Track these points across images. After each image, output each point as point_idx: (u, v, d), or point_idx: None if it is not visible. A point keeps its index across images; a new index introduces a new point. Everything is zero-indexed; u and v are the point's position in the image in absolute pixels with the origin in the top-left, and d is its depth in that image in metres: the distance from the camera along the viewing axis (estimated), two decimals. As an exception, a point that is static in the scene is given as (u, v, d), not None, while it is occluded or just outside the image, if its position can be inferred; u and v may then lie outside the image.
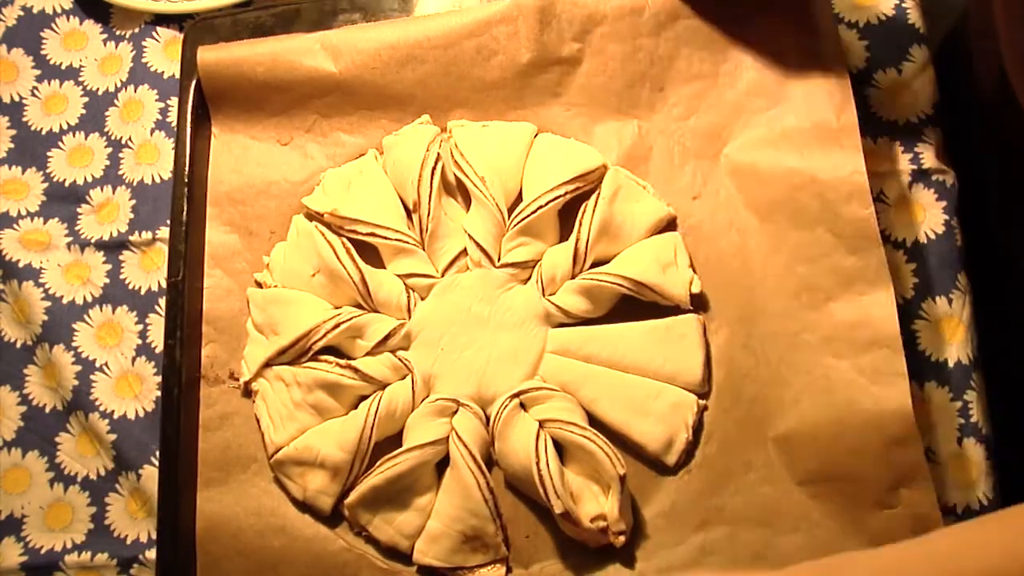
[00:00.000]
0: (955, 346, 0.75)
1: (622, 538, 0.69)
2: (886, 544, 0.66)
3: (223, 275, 0.79)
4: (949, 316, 0.75)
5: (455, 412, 0.72)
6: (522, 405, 0.72)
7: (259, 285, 0.79)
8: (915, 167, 0.78)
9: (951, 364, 0.74)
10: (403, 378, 0.73)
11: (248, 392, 0.76)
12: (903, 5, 0.82)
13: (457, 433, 0.71)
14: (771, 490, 0.69)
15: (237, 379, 0.77)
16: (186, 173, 0.80)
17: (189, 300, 0.77)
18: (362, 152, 0.81)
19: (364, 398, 0.73)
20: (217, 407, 0.76)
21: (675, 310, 0.74)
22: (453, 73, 0.79)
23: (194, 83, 0.81)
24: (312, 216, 0.78)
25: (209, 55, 0.81)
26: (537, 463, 0.68)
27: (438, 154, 0.76)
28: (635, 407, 0.71)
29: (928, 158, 0.78)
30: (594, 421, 0.72)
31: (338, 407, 0.74)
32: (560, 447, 0.70)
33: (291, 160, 0.81)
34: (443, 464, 0.72)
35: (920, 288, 0.76)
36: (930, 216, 0.77)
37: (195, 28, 0.84)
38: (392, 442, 0.72)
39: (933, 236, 0.77)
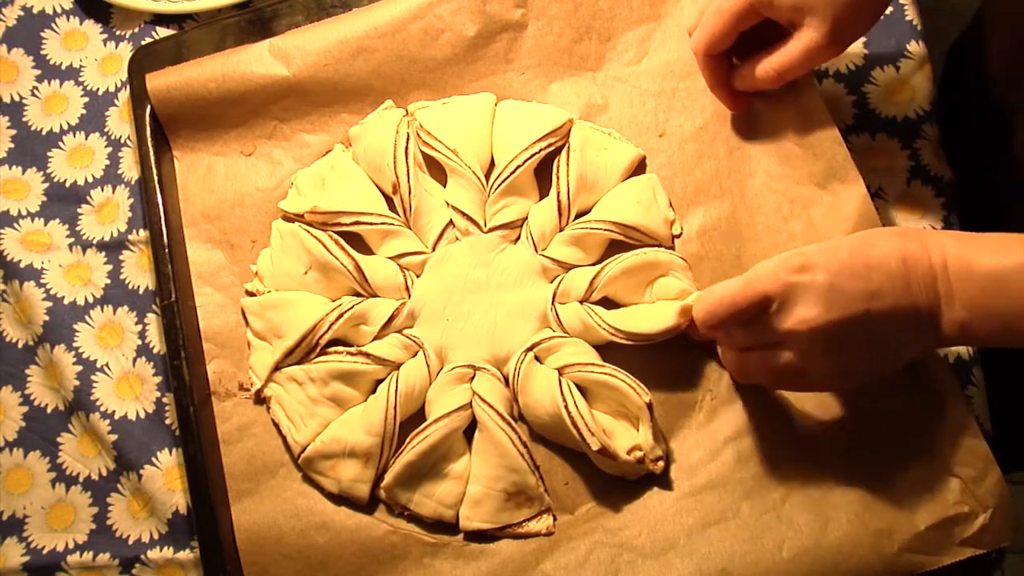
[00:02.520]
0: None
1: (660, 463, 0.71)
2: (906, 419, 0.70)
3: (213, 291, 0.79)
4: None
5: (473, 377, 0.73)
6: (536, 358, 0.73)
7: (250, 295, 0.78)
8: (913, 164, 0.79)
9: (952, 360, 0.74)
10: (415, 355, 0.74)
11: (260, 400, 0.76)
12: (901, 2, 0.82)
13: (480, 396, 0.72)
14: (793, 395, 0.71)
15: (247, 389, 0.77)
16: (158, 198, 0.79)
17: (186, 320, 0.77)
18: (328, 149, 0.81)
19: (380, 382, 0.74)
20: (233, 420, 0.76)
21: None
22: (405, 57, 0.81)
23: (148, 111, 0.81)
24: (291, 218, 0.79)
25: (158, 81, 0.81)
26: (565, 407, 0.69)
27: (407, 134, 0.77)
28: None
29: (926, 155, 0.79)
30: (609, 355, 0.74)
31: (356, 395, 0.74)
32: (582, 391, 0.72)
33: (259, 169, 0.82)
34: (470, 431, 0.73)
35: None
36: (929, 213, 0.78)
37: (138, 56, 0.84)
38: (415, 421, 0.73)
39: None
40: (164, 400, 0.80)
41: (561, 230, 0.76)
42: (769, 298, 0.62)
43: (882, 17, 0.81)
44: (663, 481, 0.72)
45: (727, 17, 0.69)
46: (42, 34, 0.90)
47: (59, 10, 0.91)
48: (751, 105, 0.75)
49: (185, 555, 0.77)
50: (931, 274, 0.60)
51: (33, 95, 0.89)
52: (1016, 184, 0.84)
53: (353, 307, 0.74)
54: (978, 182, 0.83)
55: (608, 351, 0.73)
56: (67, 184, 0.86)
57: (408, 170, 0.76)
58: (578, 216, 0.77)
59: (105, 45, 0.90)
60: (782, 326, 0.62)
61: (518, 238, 0.77)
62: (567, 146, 0.77)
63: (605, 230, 0.74)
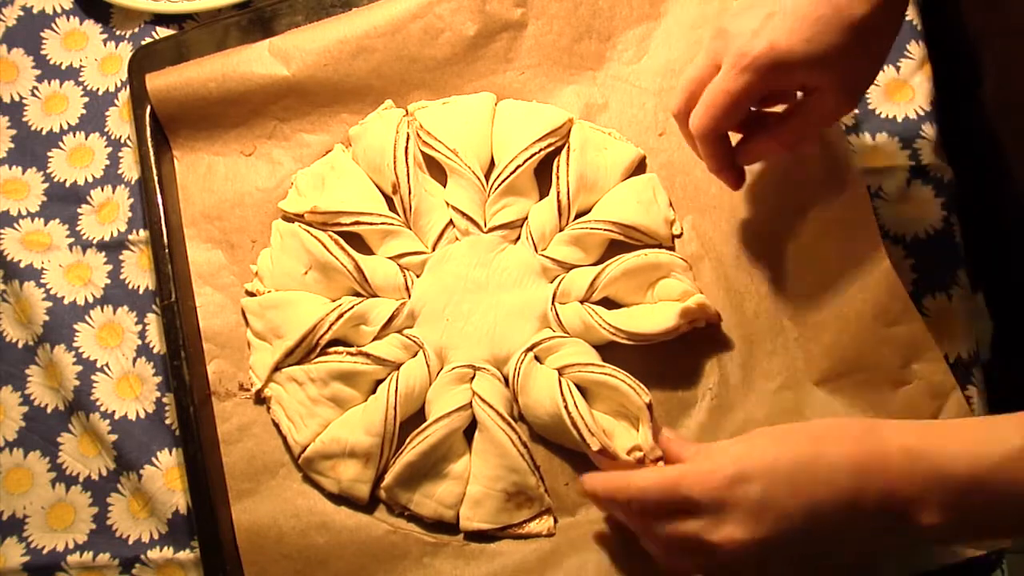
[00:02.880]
0: (956, 342, 0.74)
1: (661, 464, 0.70)
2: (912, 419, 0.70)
3: (213, 291, 0.79)
4: (949, 312, 0.75)
5: (473, 377, 0.74)
6: (537, 358, 0.73)
7: (250, 295, 0.78)
8: (913, 163, 0.78)
9: (951, 360, 0.73)
10: (415, 355, 0.74)
11: (261, 400, 0.76)
12: None
13: (480, 396, 0.72)
14: (791, 394, 0.72)
15: (248, 389, 0.77)
16: (158, 198, 0.79)
17: (186, 320, 0.77)
18: (328, 149, 0.81)
19: (380, 382, 0.74)
20: (233, 420, 0.76)
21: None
22: (405, 57, 0.81)
23: (148, 111, 0.81)
24: (291, 218, 0.79)
25: (158, 81, 0.81)
26: (565, 407, 0.69)
27: (407, 134, 0.77)
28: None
29: (926, 154, 0.78)
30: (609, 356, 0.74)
31: (356, 395, 0.74)
32: (582, 391, 0.72)
33: (259, 169, 0.82)
34: (470, 431, 0.73)
35: (920, 284, 0.76)
36: (929, 212, 0.77)
37: (138, 56, 0.84)
38: (415, 421, 0.73)
39: (932, 232, 0.77)
40: (164, 400, 0.80)
41: (561, 230, 0.76)
42: (696, 504, 0.58)
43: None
44: (663, 481, 0.72)
45: (737, 95, 0.62)
46: (42, 34, 0.90)
47: (59, 10, 0.91)
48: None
49: (185, 555, 0.77)
50: (890, 483, 0.55)
51: (33, 95, 0.89)
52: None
53: (353, 307, 0.74)
54: (978, 182, 0.83)
55: (608, 351, 0.73)
56: (67, 184, 0.86)
57: (408, 170, 0.76)
58: (578, 216, 0.77)
59: (105, 45, 0.90)
60: (710, 538, 0.58)
61: (518, 238, 0.77)
62: (567, 146, 0.77)
63: (605, 230, 0.74)
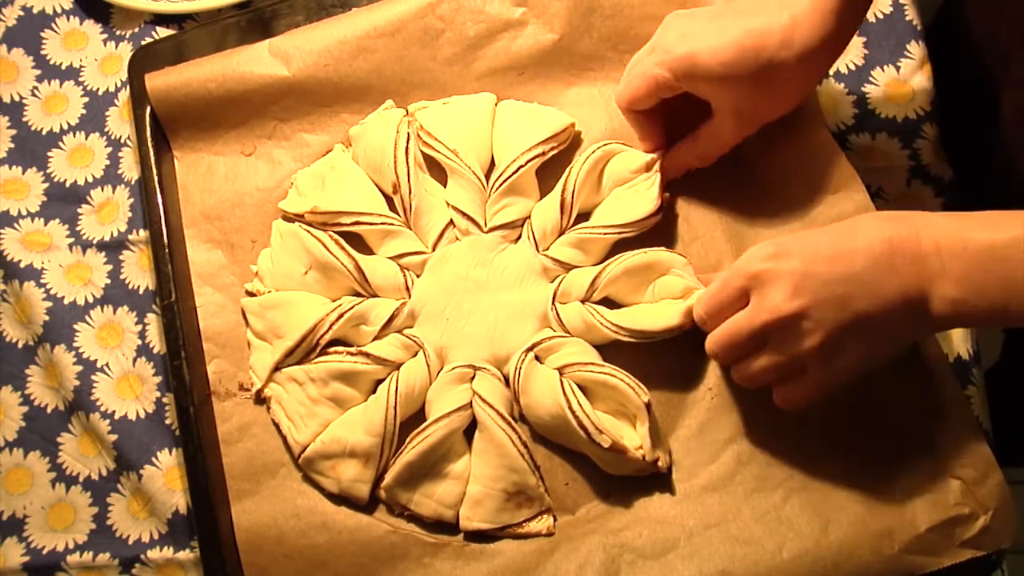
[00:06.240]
0: (955, 341, 0.75)
1: (666, 457, 0.71)
2: (907, 420, 0.70)
3: (213, 291, 0.79)
4: None
5: (473, 377, 0.73)
6: (537, 358, 0.73)
7: (250, 295, 0.78)
8: (913, 163, 0.79)
9: (951, 359, 0.74)
10: (415, 355, 0.74)
11: (261, 400, 0.76)
12: (901, 2, 0.82)
13: (480, 396, 0.72)
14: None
15: (248, 389, 0.77)
16: (158, 198, 0.79)
17: (186, 320, 0.77)
18: (328, 149, 0.81)
19: (380, 382, 0.74)
20: (233, 420, 0.76)
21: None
22: (405, 57, 0.81)
23: (148, 111, 0.81)
24: (291, 218, 0.79)
25: (158, 81, 0.81)
26: (569, 407, 0.69)
27: (408, 133, 0.77)
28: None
29: (926, 154, 0.79)
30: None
31: (356, 395, 0.74)
32: (582, 390, 0.71)
33: (259, 169, 0.81)
34: (471, 431, 0.73)
35: None
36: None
37: (138, 56, 0.84)
38: (415, 421, 0.73)
39: None
40: (164, 400, 0.80)
41: (563, 229, 0.75)
42: (745, 291, 0.62)
43: (881, 16, 0.82)
44: (663, 482, 0.72)
45: (650, 82, 0.70)
46: (42, 34, 0.90)
47: (59, 10, 0.91)
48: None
49: (185, 555, 0.77)
50: (920, 255, 0.60)
51: (33, 95, 0.89)
52: (1008, 182, 0.84)
53: (353, 307, 0.74)
54: (979, 183, 0.83)
55: (608, 351, 0.73)
56: (67, 184, 0.86)
57: (408, 170, 0.76)
58: (580, 216, 0.76)
59: (105, 45, 0.90)
60: (758, 319, 0.62)
61: (518, 238, 0.76)
62: (586, 150, 0.76)
63: (609, 234, 0.74)
